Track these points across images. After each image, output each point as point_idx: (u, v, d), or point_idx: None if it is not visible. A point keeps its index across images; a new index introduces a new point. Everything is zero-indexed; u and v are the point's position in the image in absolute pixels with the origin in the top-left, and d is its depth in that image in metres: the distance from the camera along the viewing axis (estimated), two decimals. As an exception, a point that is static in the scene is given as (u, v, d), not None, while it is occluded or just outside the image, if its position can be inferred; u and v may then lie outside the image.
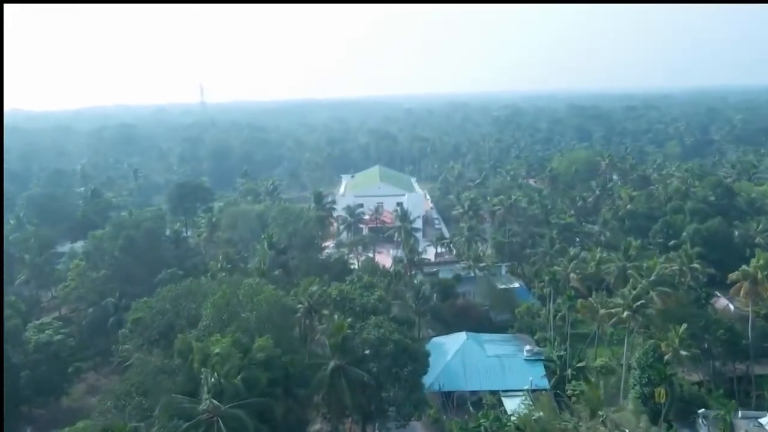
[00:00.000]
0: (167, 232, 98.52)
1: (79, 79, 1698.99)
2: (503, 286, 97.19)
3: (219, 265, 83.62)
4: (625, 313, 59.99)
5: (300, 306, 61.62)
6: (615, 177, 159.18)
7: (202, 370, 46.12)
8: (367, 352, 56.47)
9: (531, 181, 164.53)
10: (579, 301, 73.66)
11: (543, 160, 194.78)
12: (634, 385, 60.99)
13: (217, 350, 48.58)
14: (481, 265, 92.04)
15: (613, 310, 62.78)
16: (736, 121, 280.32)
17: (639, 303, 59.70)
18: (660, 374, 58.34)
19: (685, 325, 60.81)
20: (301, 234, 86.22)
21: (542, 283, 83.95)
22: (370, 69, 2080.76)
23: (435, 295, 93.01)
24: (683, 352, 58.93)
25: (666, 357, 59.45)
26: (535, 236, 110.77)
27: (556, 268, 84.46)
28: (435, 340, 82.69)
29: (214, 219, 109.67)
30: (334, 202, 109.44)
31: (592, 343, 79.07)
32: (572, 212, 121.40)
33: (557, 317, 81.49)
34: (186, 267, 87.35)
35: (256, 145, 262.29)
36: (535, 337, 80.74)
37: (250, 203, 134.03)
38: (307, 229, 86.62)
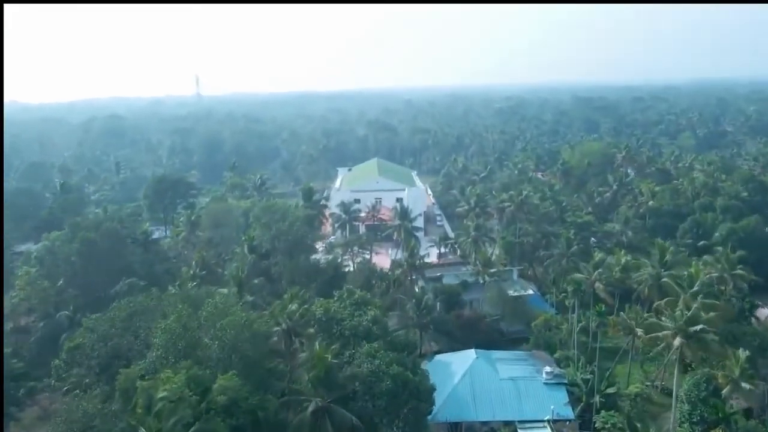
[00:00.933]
0: (138, 233, 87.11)
1: (77, 71, 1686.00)
2: (515, 293, 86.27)
3: (191, 272, 72.87)
4: (678, 340, 48.88)
5: (277, 329, 50.79)
6: (630, 171, 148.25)
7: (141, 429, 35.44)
8: (357, 384, 45.73)
9: (539, 175, 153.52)
10: (611, 318, 62.62)
11: (551, 152, 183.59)
12: (683, 422, 50.38)
13: (163, 394, 37.91)
14: (492, 270, 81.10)
15: (660, 334, 51.70)
16: (750, 111, 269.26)
17: (697, 328, 48.37)
18: (717, 411, 47.72)
19: (746, 352, 49.88)
20: (287, 235, 75.26)
21: (564, 294, 73.03)
22: (370, 62, 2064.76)
23: (438, 304, 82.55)
24: (745, 385, 48.07)
25: (724, 391, 48.66)
26: (549, 236, 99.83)
27: (578, 275, 73.53)
28: (439, 358, 72.00)
29: (193, 217, 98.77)
30: (326, 198, 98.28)
31: (621, 359, 68.24)
32: (589, 209, 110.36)
33: (577, 328, 71.00)
34: (155, 274, 76.72)
35: (249, 137, 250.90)
36: (555, 356, 69.98)
37: (237, 199, 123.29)
38: (293, 230, 75.66)
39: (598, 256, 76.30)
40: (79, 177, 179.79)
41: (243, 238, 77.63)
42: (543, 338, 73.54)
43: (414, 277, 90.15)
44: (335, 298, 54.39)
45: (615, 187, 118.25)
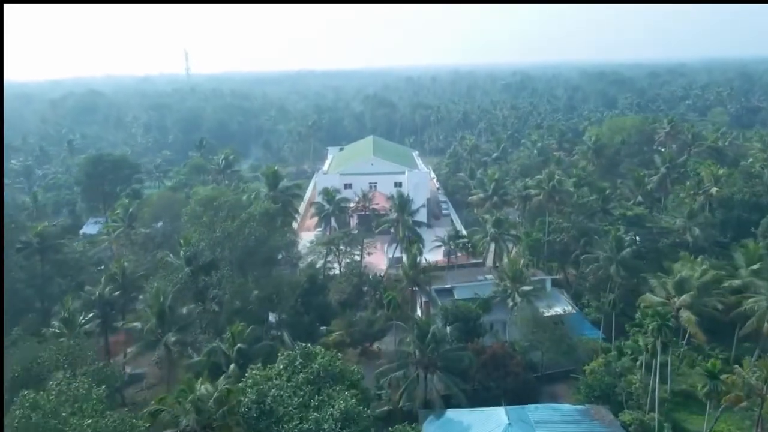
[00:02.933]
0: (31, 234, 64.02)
1: (70, 49, 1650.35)
2: (552, 312, 64.02)
3: (96, 295, 50.64)
4: None
5: None
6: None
7: None
8: None
9: (559, 155, 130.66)
10: (726, 377, 40.43)
11: (571, 129, 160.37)
12: None
13: None
14: (526, 289, 58.72)
15: None
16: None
17: None
18: None
19: None
20: (236, 239, 52.86)
21: (638, 329, 50.81)
22: (368, 40, 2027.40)
23: (449, 329, 60.70)
24: None
25: None
26: (590, 233, 77.63)
27: (654, 298, 51.19)
28: (452, 416, 50.20)
29: (131, 209, 76.41)
30: (297, 186, 75.12)
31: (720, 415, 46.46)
32: (639, 198, 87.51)
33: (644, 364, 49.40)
34: (53, 294, 54.35)
35: (233, 114, 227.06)
36: (622, 419, 48.12)
37: (201, 184, 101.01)
38: (245, 232, 53.03)
39: (681, 269, 53.65)
40: (32, 157, 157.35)
41: (181, 244, 55.27)
42: (601, 386, 51.55)
43: (414, 288, 68.15)
44: (282, 365, 31.94)
45: (663, 170, 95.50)
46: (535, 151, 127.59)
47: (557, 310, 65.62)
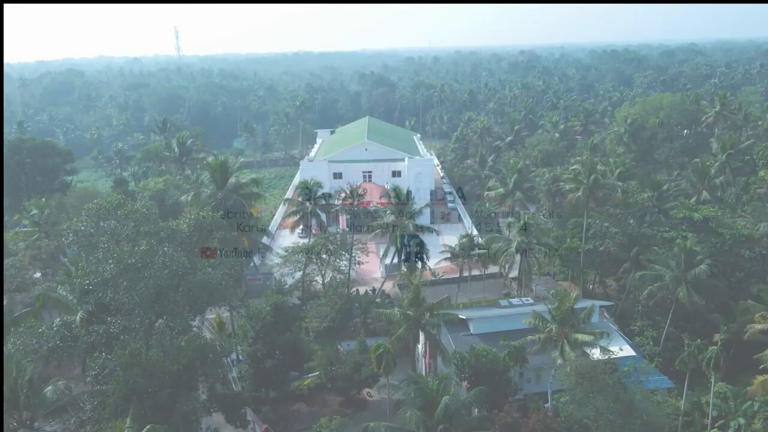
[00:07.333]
0: None
1: (66, 32, 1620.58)
2: (606, 355, 45.63)
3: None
4: None
5: None
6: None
7: None
8: None
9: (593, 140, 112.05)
10: None
11: (594, 111, 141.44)
12: None
13: None
14: (582, 338, 40.35)
15: None
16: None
17: None
18: None
19: None
20: (143, 269, 34.12)
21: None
22: (367, 23, 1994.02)
23: (464, 384, 43.01)
24: None
25: None
26: (644, 241, 59.78)
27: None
28: None
29: (47, 212, 58.34)
30: (254, 183, 56.47)
31: None
32: (706, 195, 69.02)
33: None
34: None
35: (217, 94, 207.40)
36: None
37: (155, 176, 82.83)
38: (158, 261, 34.00)
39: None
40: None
41: (71, 271, 37.31)
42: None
43: (423, 321, 50.05)
44: None
45: (723, 157, 77.17)
46: (557, 135, 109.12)
47: (612, 350, 47.46)
